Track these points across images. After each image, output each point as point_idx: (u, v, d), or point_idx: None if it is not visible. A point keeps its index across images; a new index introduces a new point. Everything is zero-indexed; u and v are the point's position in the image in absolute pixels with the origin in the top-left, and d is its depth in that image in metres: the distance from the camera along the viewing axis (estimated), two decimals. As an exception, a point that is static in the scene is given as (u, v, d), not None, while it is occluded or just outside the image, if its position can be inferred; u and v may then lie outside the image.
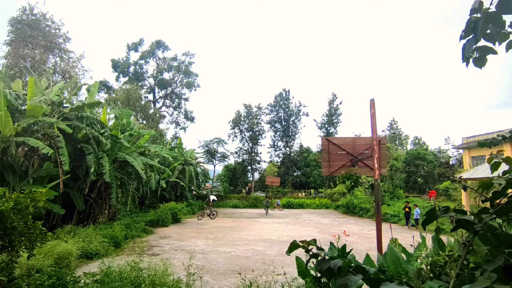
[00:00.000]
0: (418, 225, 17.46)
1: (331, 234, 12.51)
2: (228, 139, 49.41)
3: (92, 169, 12.15)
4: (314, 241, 1.35)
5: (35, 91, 12.08)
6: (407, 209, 19.44)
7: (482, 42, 1.64)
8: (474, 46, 1.63)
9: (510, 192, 1.34)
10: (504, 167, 1.54)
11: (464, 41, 1.66)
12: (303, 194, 45.73)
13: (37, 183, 11.31)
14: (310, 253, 1.35)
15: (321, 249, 1.36)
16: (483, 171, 16.11)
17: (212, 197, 26.70)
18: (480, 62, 1.71)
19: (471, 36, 1.62)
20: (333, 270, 1.20)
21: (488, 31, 1.56)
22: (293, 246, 1.37)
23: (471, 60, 1.73)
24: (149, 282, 5.74)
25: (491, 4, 1.47)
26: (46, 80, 14.77)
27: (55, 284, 5.68)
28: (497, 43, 1.56)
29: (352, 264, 1.25)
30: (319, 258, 1.31)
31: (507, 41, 1.54)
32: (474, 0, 1.52)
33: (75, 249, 8.88)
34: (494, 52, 1.67)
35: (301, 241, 1.36)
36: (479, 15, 1.53)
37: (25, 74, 20.87)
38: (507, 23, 1.51)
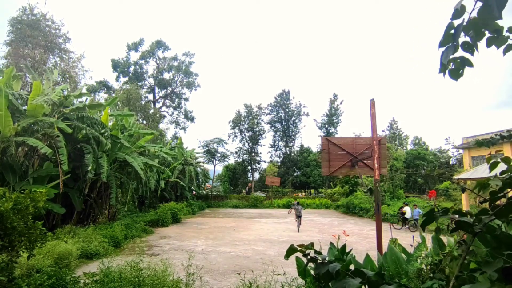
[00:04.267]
0: (418, 225, 17.43)
1: (331, 234, 12.50)
2: (228, 139, 49.36)
3: (90, 167, 12.14)
4: (312, 244, 1.35)
5: (39, 92, 12.09)
6: (403, 210, 19.40)
7: (460, 52, 1.52)
8: (452, 56, 1.52)
9: (510, 193, 1.33)
10: (502, 167, 1.53)
11: (443, 48, 1.54)
12: (303, 194, 45.72)
13: (37, 183, 11.31)
14: (308, 257, 1.34)
15: (319, 252, 1.36)
16: (483, 171, 16.07)
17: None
18: (455, 74, 1.61)
19: (449, 44, 1.51)
20: (331, 274, 1.19)
21: (467, 39, 1.46)
22: (291, 250, 1.36)
23: (447, 71, 1.61)
24: (149, 282, 5.74)
25: (473, 10, 1.35)
26: (48, 80, 14.77)
27: (55, 284, 5.69)
28: (494, 47, 1.50)
29: (352, 266, 1.25)
30: (318, 261, 1.31)
31: (504, 45, 1.49)
32: (458, 1, 1.40)
33: (75, 249, 8.88)
34: (470, 65, 1.56)
35: (299, 245, 1.36)
36: (461, 20, 1.41)
37: (25, 74, 20.85)
38: (505, 29, 1.46)
